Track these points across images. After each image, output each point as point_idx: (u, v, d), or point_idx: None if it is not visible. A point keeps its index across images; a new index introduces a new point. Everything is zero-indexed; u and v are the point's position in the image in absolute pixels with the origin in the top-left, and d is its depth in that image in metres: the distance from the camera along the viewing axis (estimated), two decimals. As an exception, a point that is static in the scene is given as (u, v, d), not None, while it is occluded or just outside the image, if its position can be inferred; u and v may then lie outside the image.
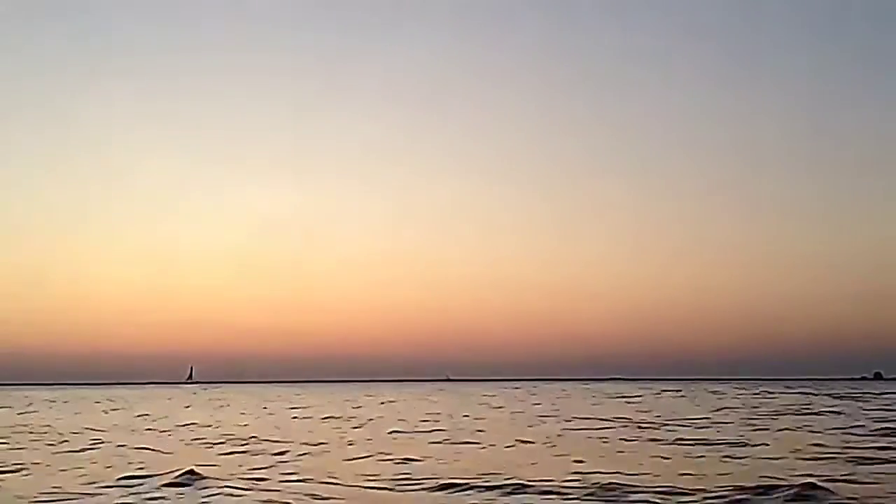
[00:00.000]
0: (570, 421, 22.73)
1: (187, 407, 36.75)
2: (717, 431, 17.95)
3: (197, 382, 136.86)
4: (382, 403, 38.22)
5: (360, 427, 21.31)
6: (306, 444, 15.67)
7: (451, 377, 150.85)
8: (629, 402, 36.29)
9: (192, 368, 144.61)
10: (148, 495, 9.31)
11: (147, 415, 29.14)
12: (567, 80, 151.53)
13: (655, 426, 20.01)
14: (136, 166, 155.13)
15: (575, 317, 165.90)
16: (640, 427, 19.73)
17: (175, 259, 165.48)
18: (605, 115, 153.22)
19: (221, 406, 36.25)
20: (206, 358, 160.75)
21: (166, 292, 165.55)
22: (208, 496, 9.20)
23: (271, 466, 11.95)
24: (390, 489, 9.83)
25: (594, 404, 34.67)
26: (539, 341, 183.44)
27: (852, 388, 60.35)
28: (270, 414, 28.57)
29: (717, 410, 27.94)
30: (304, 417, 26.75)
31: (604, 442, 16.01)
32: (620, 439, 16.30)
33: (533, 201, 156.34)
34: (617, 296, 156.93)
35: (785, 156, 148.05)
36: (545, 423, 22.34)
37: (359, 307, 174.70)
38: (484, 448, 15.10)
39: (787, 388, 61.21)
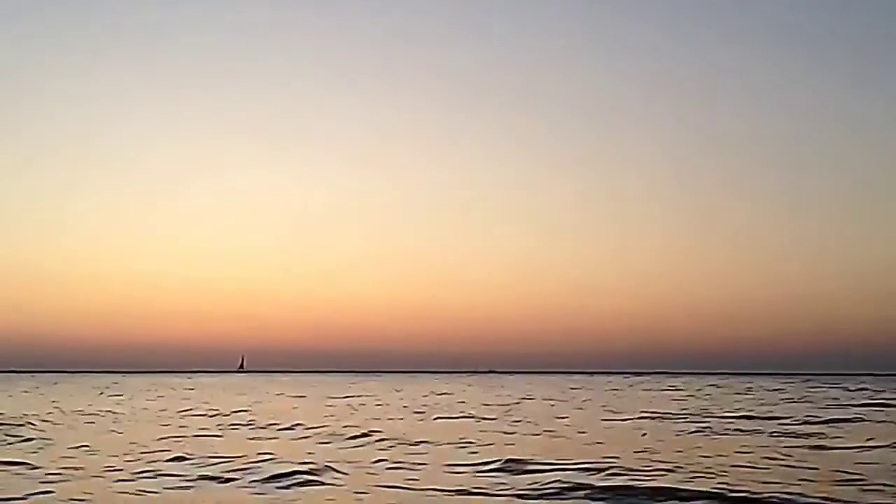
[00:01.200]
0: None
1: (279, 395, 38.20)
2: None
3: (248, 371, 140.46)
4: (438, 393, 39.50)
5: (491, 419, 19.93)
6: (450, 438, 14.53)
7: (496, 370, 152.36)
8: (737, 395, 35.03)
9: (242, 358, 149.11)
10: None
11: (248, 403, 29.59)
12: (621, 73, 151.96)
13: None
14: (184, 164, 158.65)
15: (615, 311, 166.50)
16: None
17: (224, 253, 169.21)
18: (655, 112, 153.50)
19: (303, 397, 36.10)
20: (256, 348, 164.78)
21: (216, 285, 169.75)
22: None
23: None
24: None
25: (704, 399, 32.33)
26: (579, 335, 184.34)
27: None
28: (362, 405, 27.89)
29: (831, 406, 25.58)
30: (404, 408, 26.21)
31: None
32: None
33: (587, 197, 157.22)
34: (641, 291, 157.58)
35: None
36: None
37: (400, 301, 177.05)
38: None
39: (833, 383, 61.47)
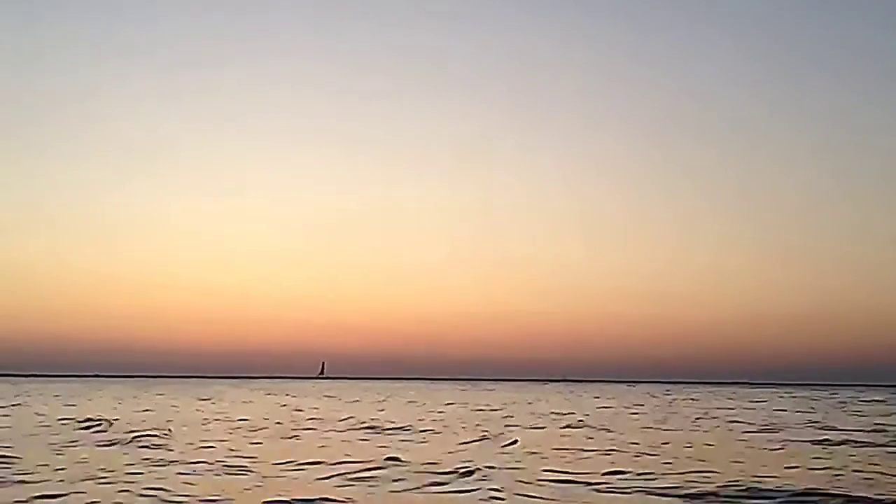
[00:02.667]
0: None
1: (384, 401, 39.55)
2: None
3: (328, 378, 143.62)
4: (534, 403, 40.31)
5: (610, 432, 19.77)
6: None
7: (569, 377, 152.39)
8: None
9: (323, 364, 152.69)
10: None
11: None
12: (678, 78, 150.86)
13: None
14: (255, 169, 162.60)
15: (683, 322, 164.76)
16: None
17: (301, 259, 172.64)
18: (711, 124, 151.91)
19: (414, 403, 36.75)
20: (335, 354, 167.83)
21: (293, 291, 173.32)
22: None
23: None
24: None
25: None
26: (648, 345, 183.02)
27: None
28: (475, 411, 28.57)
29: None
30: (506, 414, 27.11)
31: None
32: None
33: (649, 205, 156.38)
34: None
35: None
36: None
37: (473, 308, 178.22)
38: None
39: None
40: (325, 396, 45.81)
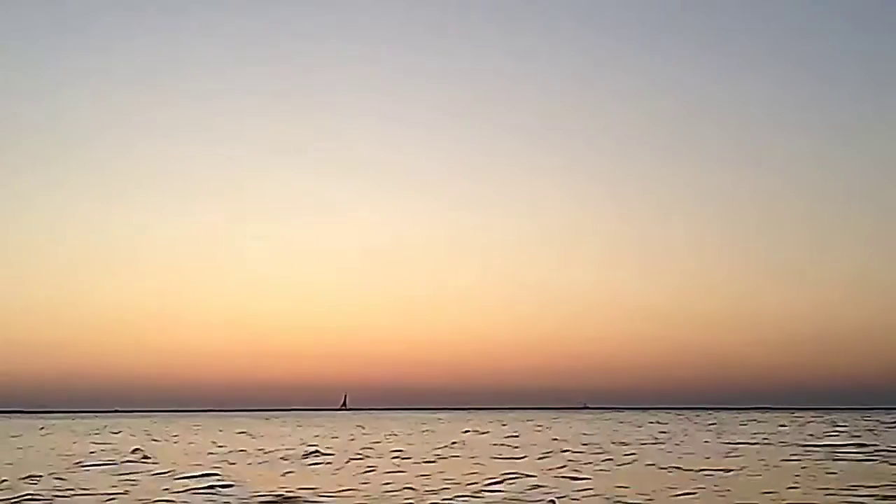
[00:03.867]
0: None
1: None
2: None
3: (350, 409, 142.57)
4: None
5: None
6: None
7: (589, 405, 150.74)
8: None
9: (345, 396, 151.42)
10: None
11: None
12: (696, 100, 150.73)
13: None
14: (284, 200, 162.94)
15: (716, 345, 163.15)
16: None
17: (320, 291, 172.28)
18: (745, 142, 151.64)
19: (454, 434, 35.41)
20: (356, 386, 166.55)
21: (314, 323, 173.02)
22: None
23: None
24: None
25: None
26: (675, 369, 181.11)
27: None
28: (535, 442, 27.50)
29: None
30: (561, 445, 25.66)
31: None
32: None
33: (674, 228, 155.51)
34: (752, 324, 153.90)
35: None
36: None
37: (493, 335, 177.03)
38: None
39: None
40: (395, 430, 44.22)
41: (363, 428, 45.27)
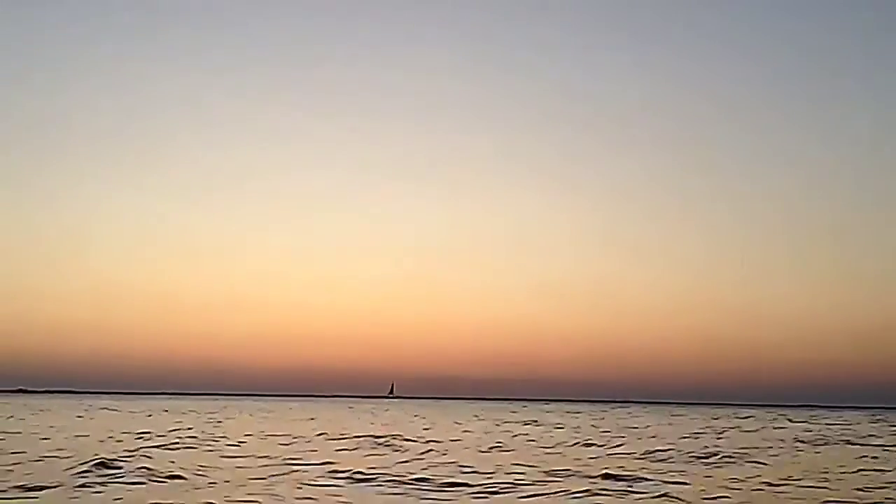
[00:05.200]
0: None
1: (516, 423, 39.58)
2: None
3: (398, 397, 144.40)
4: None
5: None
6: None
7: (636, 399, 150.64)
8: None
9: (392, 384, 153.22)
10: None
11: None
12: (714, 98, 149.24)
13: None
14: (327, 189, 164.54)
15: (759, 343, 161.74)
16: None
17: (369, 279, 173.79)
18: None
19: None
20: (404, 374, 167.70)
21: (362, 312, 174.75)
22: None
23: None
24: None
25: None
26: (718, 365, 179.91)
27: None
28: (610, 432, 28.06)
29: None
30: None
31: None
32: None
33: (722, 225, 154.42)
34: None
35: None
36: None
37: (544, 327, 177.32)
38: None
39: None
40: (488, 419, 43.56)
41: (421, 416, 45.97)
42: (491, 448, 19.83)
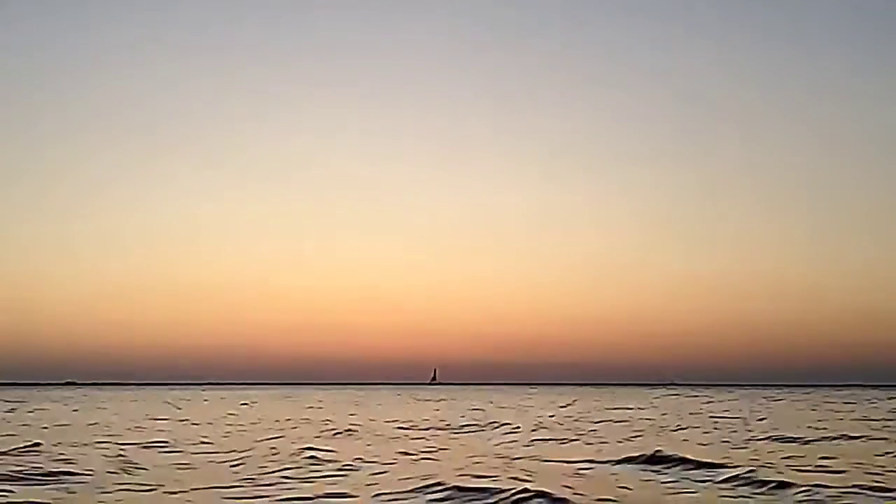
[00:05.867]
0: None
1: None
2: None
3: (440, 384, 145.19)
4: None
5: None
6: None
7: (677, 382, 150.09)
8: None
9: (435, 371, 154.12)
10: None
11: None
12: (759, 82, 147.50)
13: None
14: (367, 175, 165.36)
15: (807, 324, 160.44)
16: None
17: (411, 266, 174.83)
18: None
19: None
20: (443, 361, 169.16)
21: (402, 299, 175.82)
22: None
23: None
24: None
25: None
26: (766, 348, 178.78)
27: None
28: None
29: None
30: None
31: None
32: None
33: (753, 204, 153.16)
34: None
35: None
36: None
37: (581, 312, 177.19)
38: None
39: None
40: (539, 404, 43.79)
41: (471, 401, 46.48)
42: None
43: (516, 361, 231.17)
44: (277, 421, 24.00)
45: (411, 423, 22.49)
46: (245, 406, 38.34)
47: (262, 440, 16.04)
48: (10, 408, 34.50)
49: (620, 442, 15.89)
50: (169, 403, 42.79)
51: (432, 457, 12.88)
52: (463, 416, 26.64)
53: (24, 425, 21.78)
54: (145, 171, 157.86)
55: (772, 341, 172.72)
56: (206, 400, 51.02)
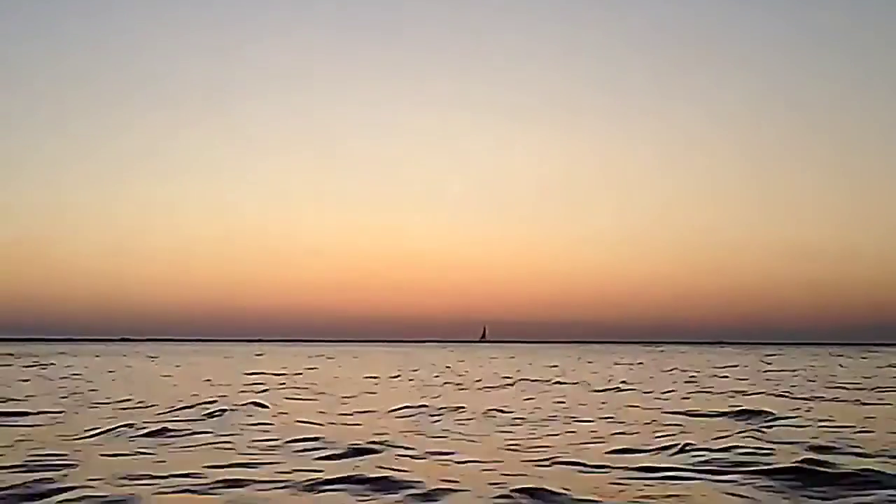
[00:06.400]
0: None
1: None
2: None
3: (490, 341, 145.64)
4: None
5: None
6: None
7: (724, 340, 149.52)
8: None
9: (485, 328, 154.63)
10: None
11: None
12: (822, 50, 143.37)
13: None
14: (418, 138, 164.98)
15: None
16: None
17: (461, 227, 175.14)
18: None
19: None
20: (492, 319, 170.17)
21: (453, 258, 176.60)
22: None
23: None
24: None
25: None
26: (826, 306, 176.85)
27: None
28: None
29: None
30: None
31: None
32: None
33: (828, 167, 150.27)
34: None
35: None
36: None
37: (628, 272, 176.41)
38: None
39: None
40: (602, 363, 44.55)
41: (551, 359, 46.40)
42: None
43: (560, 320, 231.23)
44: (396, 376, 23.96)
45: (554, 379, 22.17)
46: (322, 361, 38.61)
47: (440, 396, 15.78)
48: (101, 365, 34.96)
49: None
50: (257, 357, 43.42)
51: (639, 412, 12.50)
52: (573, 372, 26.46)
53: (171, 384, 20.68)
54: (207, 139, 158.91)
55: (837, 301, 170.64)
56: (280, 356, 51.64)
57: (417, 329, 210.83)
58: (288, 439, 8.68)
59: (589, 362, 39.96)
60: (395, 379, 23.08)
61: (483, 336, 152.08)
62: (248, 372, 26.77)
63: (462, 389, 18.28)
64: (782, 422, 10.80)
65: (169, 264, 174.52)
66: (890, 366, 35.00)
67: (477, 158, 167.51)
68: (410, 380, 22.58)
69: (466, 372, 27.59)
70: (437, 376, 24.47)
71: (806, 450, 7.80)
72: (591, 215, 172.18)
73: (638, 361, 40.95)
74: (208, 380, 22.06)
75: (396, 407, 12.74)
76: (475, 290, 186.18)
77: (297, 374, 25.80)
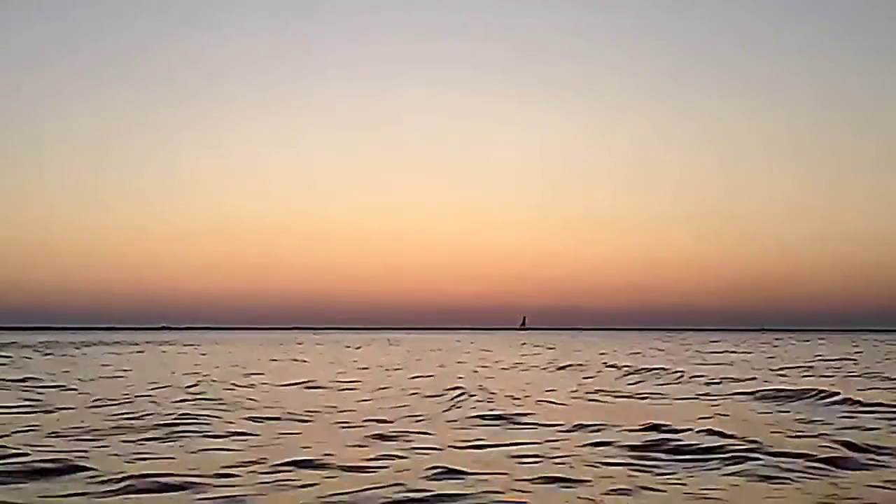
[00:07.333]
0: None
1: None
2: None
3: (528, 329, 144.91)
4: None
5: None
6: None
7: (766, 327, 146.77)
8: None
9: (524, 317, 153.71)
10: None
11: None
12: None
13: None
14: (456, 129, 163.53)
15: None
16: None
17: (501, 215, 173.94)
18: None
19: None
20: (534, 307, 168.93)
21: (493, 246, 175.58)
22: None
23: None
24: None
25: None
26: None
27: None
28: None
29: None
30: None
31: None
32: None
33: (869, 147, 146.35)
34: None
35: None
36: None
37: (666, 258, 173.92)
38: None
39: None
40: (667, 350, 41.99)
41: (594, 346, 44.96)
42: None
43: (597, 307, 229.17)
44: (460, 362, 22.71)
45: (623, 366, 21.27)
46: (357, 350, 37.52)
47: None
48: (160, 353, 34.03)
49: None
50: (300, 345, 42.51)
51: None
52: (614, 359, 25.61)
53: (244, 372, 19.84)
54: (242, 120, 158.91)
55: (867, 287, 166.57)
56: (318, 344, 50.64)
57: (452, 316, 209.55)
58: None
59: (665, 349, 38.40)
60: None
61: (523, 324, 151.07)
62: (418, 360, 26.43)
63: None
64: None
65: (199, 249, 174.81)
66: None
67: (517, 146, 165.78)
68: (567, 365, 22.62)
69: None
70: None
71: None
72: (637, 204, 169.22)
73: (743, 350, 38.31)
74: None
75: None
76: (515, 278, 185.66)
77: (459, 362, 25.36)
